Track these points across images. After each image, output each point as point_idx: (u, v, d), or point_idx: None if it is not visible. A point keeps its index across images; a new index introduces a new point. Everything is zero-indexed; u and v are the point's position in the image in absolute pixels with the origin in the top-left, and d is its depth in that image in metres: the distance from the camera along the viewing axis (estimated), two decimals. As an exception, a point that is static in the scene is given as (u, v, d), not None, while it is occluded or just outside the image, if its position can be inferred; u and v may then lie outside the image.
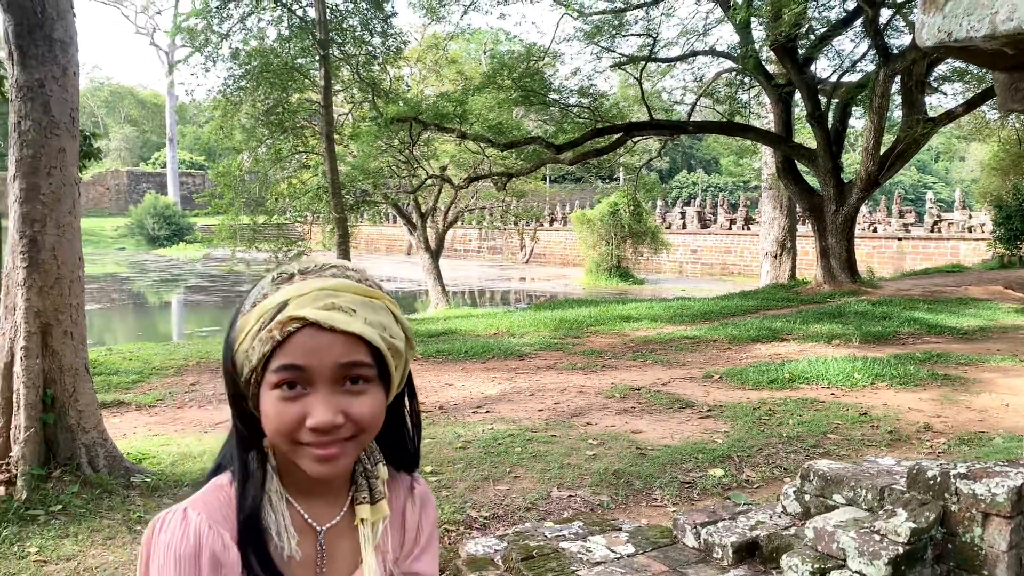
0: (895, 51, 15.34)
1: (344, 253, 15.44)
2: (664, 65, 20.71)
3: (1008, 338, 10.40)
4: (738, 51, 17.35)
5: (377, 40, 17.74)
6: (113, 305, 25.91)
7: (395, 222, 36.19)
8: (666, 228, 36.46)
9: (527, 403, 7.51)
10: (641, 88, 18.79)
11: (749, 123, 20.91)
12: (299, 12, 16.41)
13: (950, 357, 8.96)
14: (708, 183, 65.03)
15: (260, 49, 16.74)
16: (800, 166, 17.72)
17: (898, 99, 16.69)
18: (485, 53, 36.84)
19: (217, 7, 16.07)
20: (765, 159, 21.37)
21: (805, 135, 20.91)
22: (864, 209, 29.56)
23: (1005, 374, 8.15)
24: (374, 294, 1.06)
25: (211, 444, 6.10)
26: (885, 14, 15.92)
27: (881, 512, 3.13)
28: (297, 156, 20.34)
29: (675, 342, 10.90)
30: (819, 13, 17.11)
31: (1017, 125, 22.32)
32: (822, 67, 25.76)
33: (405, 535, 1.22)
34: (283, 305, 1.02)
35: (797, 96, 17.70)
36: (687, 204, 41.43)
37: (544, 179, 40.90)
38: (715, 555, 3.53)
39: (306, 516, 1.12)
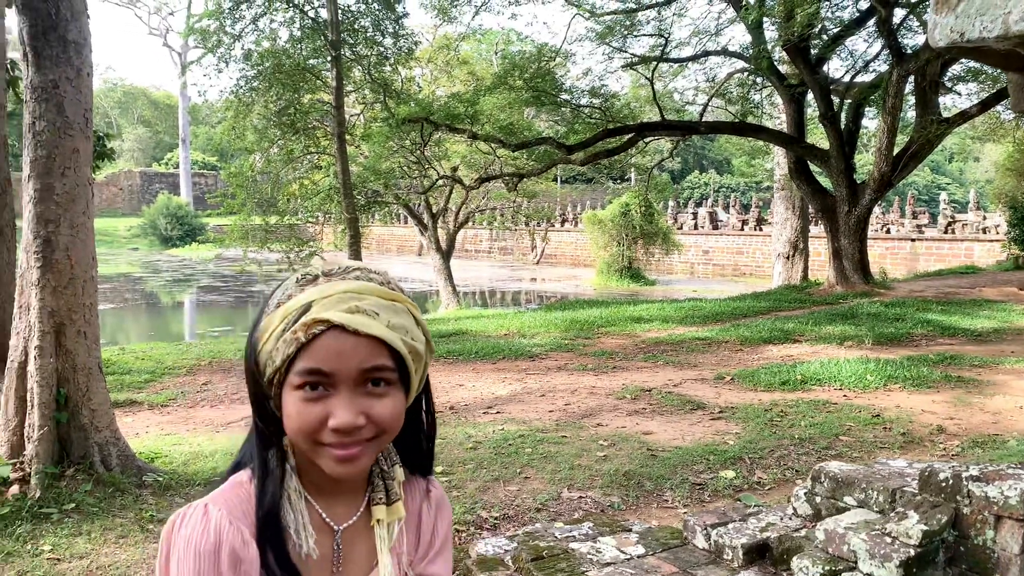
0: (909, 51, 15.26)
1: (355, 253, 15.49)
2: (676, 65, 20.66)
3: (1023, 340, 10.32)
4: (750, 51, 17.30)
5: (389, 41, 17.80)
6: (126, 305, 26.06)
7: (406, 223, 36.26)
8: (678, 229, 36.38)
9: (538, 404, 7.51)
10: (653, 88, 18.76)
11: (761, 124, 20.84)
12: (311, 13, 16.47)
13: (964, 359, 8.90)
14: (720, 184, 64.84)
15: (272, 50, 16.82)
16: (813, 167, 17.65)
17: (912, 99, 16.60)
18: (496, 54, 36.87)
19: (230, 8, 16.15)
20: (777, 160, 21.29)
21: (818, 136, 20.82)
22: (877, 210, 29.42)
23: (1019, 376, 8.09)
24: (396, 297, 1.08)
25: (222, 443, 6.13)
26: (899, 14, 15.84)
27: (892, 514, 3.11)
28: (309, 157, 20.41)
29: (686, 343, 10.87)
30: (832, 13, 17.05)
31: (1032, 125, 22.16)
32: (835, 67, 25.71)
33: (420, 537, 1.23)
34: (307, 307, 1.03)
35: (810, 96, 17.63)
36: (699, 205, 41.32)
37: (555, 180, 40.85)
38: (725, 556, 3.52)
39: (324, 515, 1.13)
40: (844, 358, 8.97)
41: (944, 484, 3.05)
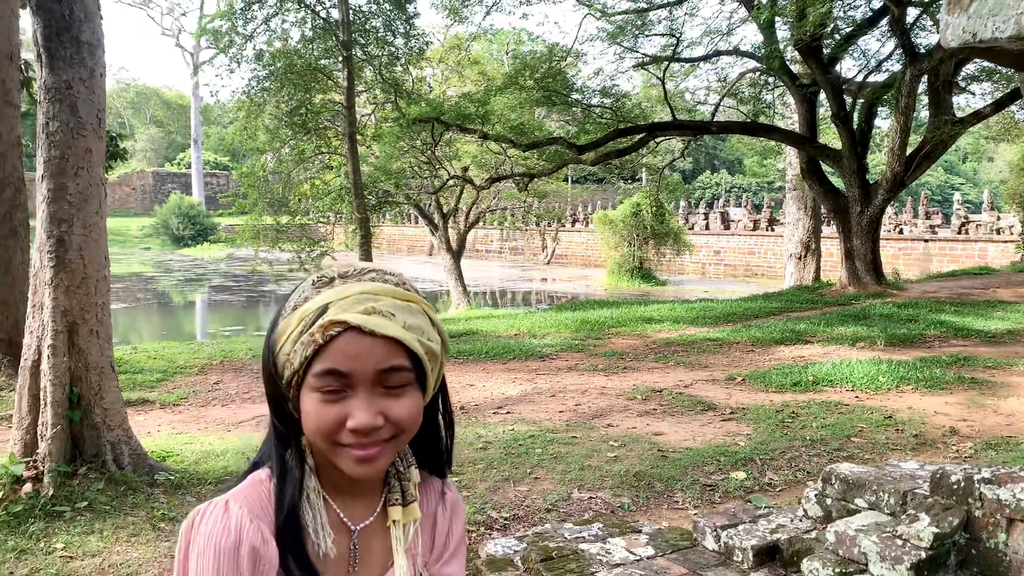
0: (922, 50, 15.17)
1: (366, 253, 15.53)
2: (687, 65, 20.60)
3: (1036, 341, 10.25)
4: (762, 51, 17.24)
5: (400, 41, 17.83)
6: (138, 304, 26.20)
7: (417, 223, 36.30)
8: (689, 229, 36.29)
9: (548, 404, 7.51)
10: (664, 88, 18.71)
11: (773, 123, 20.77)
12: (322, 13, 16.52)
13: (977, 360, 8.84)
14: (732, 184, 64.65)
15: (284, 50, 16.87)
16: (825, 167, 17.57)
17: (925, 99, 16.50)
18: (507, 53, 36.90)
19: (242, 9, 16.21)
20: (789, 160, 21.22)
21: (830, 136, 20.72)
22: (890, 210, 29.26)
23: (1033, 378, 8.04)
24: (412, 298, 1.08)
25: (234, 443, 6.16)
26: (912, 13, 15.75)
27: (904, 517, 3.10)
28: (320, 157, 20.46)
29: (697, 344, 10.85)
30: (844, 12, 16.96)
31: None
32: (847, 67, 25.56)
33: (435, 539, 1.24)
34: (324, 309, 1.04)
35: (822, 96, 17.55)
36: (710, 205, 41.21)
37: (566, 180, 40.83)
38: (735, 558, 3.51)
39: (341, 515, 1.14)
40: (856, 359, 8.93)
41: (956, 486, 3.03)
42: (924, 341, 10.44)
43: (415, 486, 1.19)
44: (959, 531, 2.96)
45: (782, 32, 17.04)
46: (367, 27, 17.09)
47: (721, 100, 20.32)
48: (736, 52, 19.20)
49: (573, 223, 42.82)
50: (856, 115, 17.11)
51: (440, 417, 1.22)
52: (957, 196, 31.77)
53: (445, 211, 22.46)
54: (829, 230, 25.39)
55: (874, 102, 16.84)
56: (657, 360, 9.76)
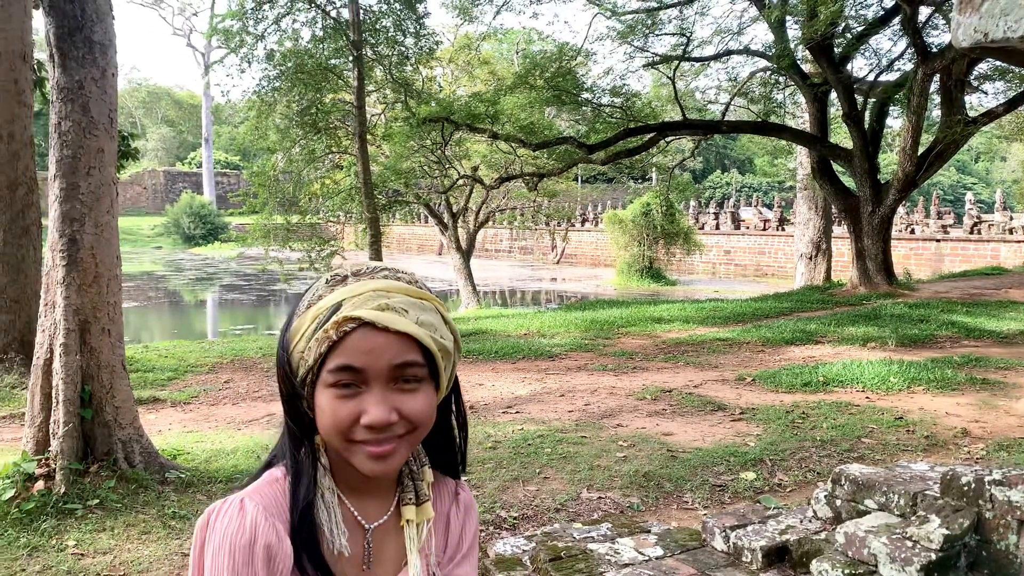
0: (934, 49, 15.08)
1: (376, 253, 15.56)
2: (698, 64, 20.56)
3: (1049, 342, 10.18)
4: (773, 50, 17.19)
5: (410, 41, 17.84)
6: (149, 303, 26.33)
7: (426, 222, 36.36)
8: (699, 229, 36.21)
9: (557, 404, 7.51)
10: (674, 88, 18.67)
11: (784, 123, 20.69)
12: (333, 13, 16.55)
13: (989, 361, 8.79)
14: (742, 183, 64.47)
15: (294, 50, 16.91)
16: (836, 166, 17.50)
17: (937, 98, 16.41)
18: (517, 53, 36.89)
19: (252, 9, 16.26)
20: (800, 159, 21.15)
21: (841, 135, 20.64)
22: (901, 210, 29.09)
23: (1045, 379, 7.98)
24: (424, 295, 1.09)
25: (244, 441, 6.18)
26: (924, 12, 15.66)
27: (914, 518, 3.08)
28: (330, 156, 20.51)
29: (707, 344, 10.83)
30: (856, 11, 16.90)
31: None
32: (859, 66, 25.48)
33: (448, 539, 1.24)
34: (338, 306, 1.05)
35: (833, 96, 17.48)
36: (721, 205, 41.10)
37: (576, 179, 40.81)
38: (744, 559, 3.50)
39: (356, 513, 1.14)
40: (867, 359, 8.90)
41: (966, 488, 3.02)
42: (935, 342, 10.39)
43: (428, 486, 1.19)
44: (969, 533, 2.94)
45: (793, 31, 16.99)
46: (377, 27, 17.12)
47: (732, 99, 20.24)
48: (747, 51, 19.14)
49: (583, 223, 42.79)
50: (867, 114, 17.03)
51: (453, 418, 1.22)
52: (969, 196, 31.56)
53: (455, 210, 22.48)
54: (840, 230, 25.27)
55: (886, 101, 16.76)
56: (667, 360, 9.75)
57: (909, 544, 2.94)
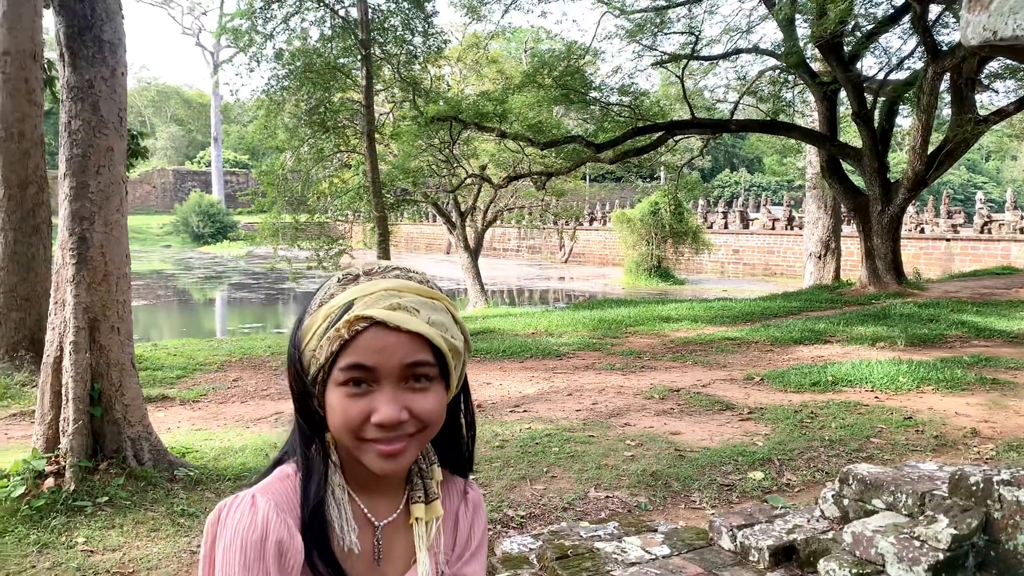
0: (944, 48, 15.00)
1: (384, 252, 15.57)
2: (706, 63, 20.50)
3: (1060, 342, 10.13)
4: (782, 49, 17.13)
5: (418, 39, 17.84)
6: (158, 301, 26.43)
7: (434, 221, 36.35)
8: (708, 228, 36.14)
9: (565, 403, 7.50)
10: (683, 86, 18.64)
11: (793, 122, 20.62)
12: (341, 12, 16.57)
13: (999, 361, 8.75)
14: (751, 182, 64.30)
15: (303, 49, 16.94)
16: (845, 165, 17.44)
17: (947, 97, 16.33)
18: (526, 52, 36.88)
19: (261, 8, 16.29)
20: (809, 158, 21.08)
21: (850, 134, 20.57)
22: (911, 209, 29.01)
23: (1056, 379, 7.94)
24: (435, 295, 1.10)
25: (252, 439, 6.20)
26: (934, 10, 15.59)
27: (921, 518, 3.07)
28: (339, 155, 20.53)
29: (716, 343, 10.81)
30: (865, 10, 16.82)
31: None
32: (868, 64, 25.41)
33: (457, 538, 1.25)
34: (349, 305, 1.06)
35: (842, 94, 17.42)
36: (729, 204, 40.99)
37: (584, 178, 40.81)
38: (751, 558, 3.50)
39: (366, 511, 1.15)
40: (876, 359, 8.86)
41: (975, 488, 3.01)
42: (945, 341, 10.35)
43: (438, 484, 1.20)
44: (978, 533, 2.93)
45: (802, 29, 16.92)
46: (385, 26, 17.13)
47: (740, 98, 20.19)
48: (756, 50, 19.10)
49: (591, 222, 42.76)
50: (877, 113, 16.96)
51: (462, 417, 1.23)
52: (980, 195, 31.40)
53: (463, 209, 22.48)
54: (849, 229, 25.20)
55: (895, 100, 16.70)
56: (675, 359, 9.73)
57: (917, 544, 2.93)
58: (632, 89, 18.88)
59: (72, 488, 4.55)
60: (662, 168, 26.60)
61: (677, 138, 20.08)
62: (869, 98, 17.04)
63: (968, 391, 7.43)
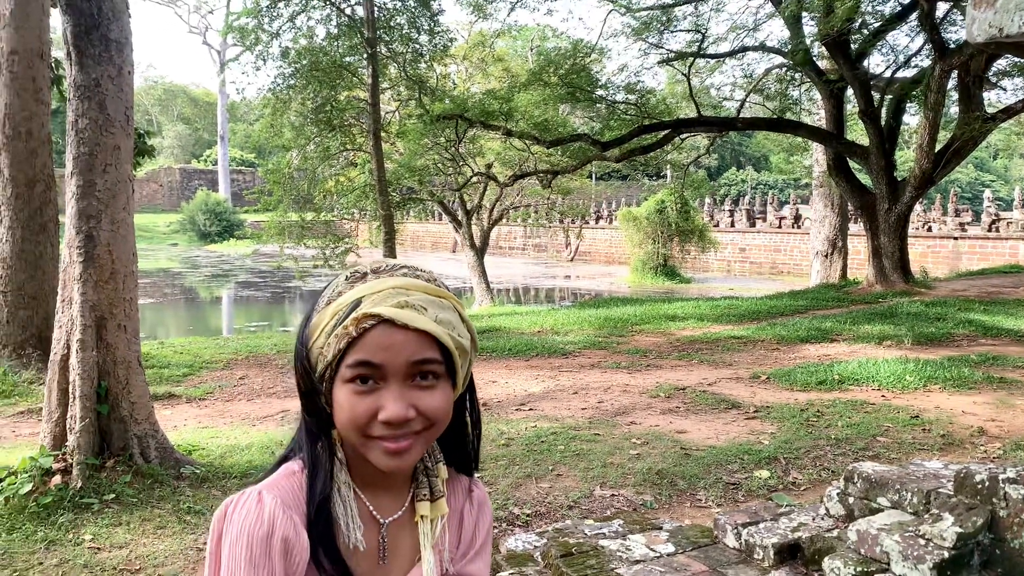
0: (952, 45, 14.94)
1: (390, 250, 15.59)
2: (713, 61, 20.47)
3: (1068, 341, 10.09)
4: (788, 47, 17.09)
5: (424, 38, 17.86)
6: (165, 299, 26.50)
7: (440, 219, 36.38)
8: (714, 226, 36.07)
9: (570, 401, 7.51)
10: (689, 84, 18.61)
11: (800, 120, 20.58)
12: (347, 11, 16.59)
13: (1007, 360, 8.72)
14: (758, 180, 64.18)
15: (309, 48, 16.98)
16: (852, 163, 17.39)
17: (955, 95, 16.27)
18: (532, 50, 36.86)
19: (267, 6, 16.32)
20: (816, 156, 21.01)
21: (857, 132, 20.50)
22: (918, 208, 28.89)
23: (1064, 378, 7.91)
24: (442, 294, 1.11)
25: (258, 437, 6.22)
26: (941, 7, 15.53)
27: (927, 516, 3.07)
28: (345, 154, 20.57)
29: (722, 342, 10.79)
30: (872, 7, 16.75)
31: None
32: (875, 62, 25.32)
33: (462, 536, 1.25)
34: (357, 303, 1.06)
35: (849, 92, 17.35)
36: (736, 202, 40.92)
37: (590, 176, 40.74)
38: (756, 556, 3.49)
39: (371, 508, 1.15)
40: (883, 358, 8.84)
41: (980, 486, 3.00)
42: (952, 340, 10.32)
43: (443, 482, 1.20)
44: (983, 531, 2.93)
45: (809, 27, 16.89)
46: (392, 24, 17.15)
47: (747, 96, 20.15)
48: (762, 48, 19.05)
49: (597, 220, 42.73)
50: (884, 111, 16.90)
51: (468, 415, 1.23)
52: (987, 193, 31.30)
53: (469, 208, 22.48)
54: (856, 227, 25.13)
55: (902, 98, 16.63)
56: (681, 358, 9.72)
57: (922, 542, 2.93)
58: (638, 87, 18.85)
59: (79, 485, 4.57)
60: (668, 166, 26.56)
61: (683, 136, 20.03)
62: (876, 96, 16.98)
63: (975, 390, 7.41)
